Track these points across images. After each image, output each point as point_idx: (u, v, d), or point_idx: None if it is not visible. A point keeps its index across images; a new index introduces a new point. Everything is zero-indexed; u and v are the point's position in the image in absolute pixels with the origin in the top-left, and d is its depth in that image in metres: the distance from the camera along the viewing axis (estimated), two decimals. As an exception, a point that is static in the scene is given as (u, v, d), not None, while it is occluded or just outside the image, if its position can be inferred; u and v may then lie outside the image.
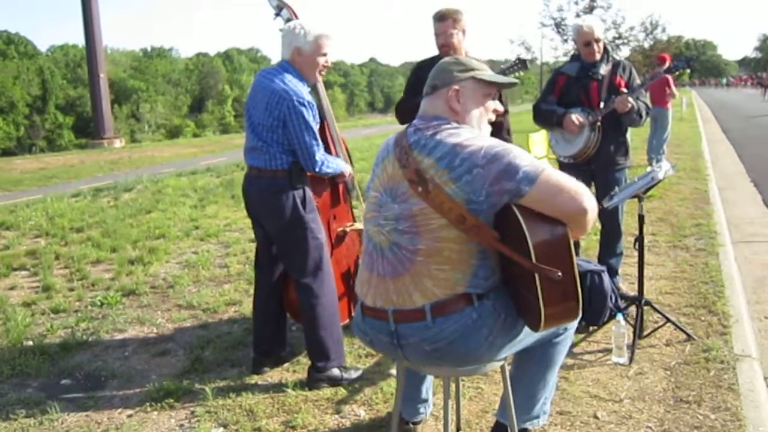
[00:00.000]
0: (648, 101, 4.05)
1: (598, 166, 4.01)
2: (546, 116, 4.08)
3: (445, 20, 3.67)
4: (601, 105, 3.90)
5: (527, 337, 2.15)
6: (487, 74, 2.14)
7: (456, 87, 2.09)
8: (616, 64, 4.03)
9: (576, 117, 3.89)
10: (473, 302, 1.99)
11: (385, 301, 2.07)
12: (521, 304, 2.03)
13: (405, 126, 2.19)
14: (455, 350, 2.01)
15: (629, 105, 3.81)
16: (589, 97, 3.97)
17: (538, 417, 2.46)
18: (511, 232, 1.92)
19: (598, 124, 3.92)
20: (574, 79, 4.04)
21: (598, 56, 3.97)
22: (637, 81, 4.01)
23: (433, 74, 2.15)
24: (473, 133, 2.03)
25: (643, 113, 3.94)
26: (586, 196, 1.91)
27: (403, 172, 2.02)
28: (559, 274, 1.83)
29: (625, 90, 3.92)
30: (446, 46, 3.67)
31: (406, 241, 2.01)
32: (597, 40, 3.93)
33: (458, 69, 2.11)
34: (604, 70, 3.97)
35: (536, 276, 1.84)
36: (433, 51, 3.83)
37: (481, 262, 1.99)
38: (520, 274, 1.93)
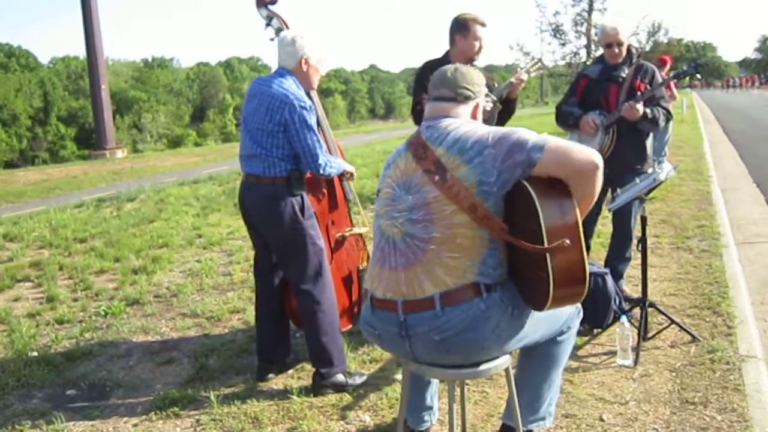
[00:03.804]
0: (669, 106, 4.00)
1: (614, 170, 3.98)
2: (564, 117, 4.11)
3: (485, 27, 3.68)
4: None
5: (532, 332, 2.19)
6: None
7: (479, 101, 2.28)
8: (639, 68, 4.00)
9: (592, 118, 3.90)
10: (481, 293, 2.04)
11: (395, 292, 2.12)
12: (529, 283, 2.06)
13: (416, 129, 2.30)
14: (463, 340, 2.05)
15: (639, 112, 3.78)
16: (608, 99, 3.96)
17: (544, 418, 2.46)
18: (523, 211, 1.98)
19: (613, 127, 3.90)
20: (595, 81, 4.04)
21: (619, 59, 3.97)
22: (659, 82, 3.97)
23: (461, 81, 2.24)
24: (476, 125, 2.19)
25: (660, 119, 3.88)
26: (594, 152, 2.03)
27: (420, 163, 2.12)
28: (567, 242, 1.89)
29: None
30: (479, 52, 3.69)
31: (419, 231, 2.08)
32: (619, 44, 3.92)
33: (483, 83, 2.30)
34: (625, 73, 3.97)
35: (548, 256, 1.90)
36: (437, 54, 3.81)
37: (490, 251, 2.06)
38: (532, 253, 1.96)
